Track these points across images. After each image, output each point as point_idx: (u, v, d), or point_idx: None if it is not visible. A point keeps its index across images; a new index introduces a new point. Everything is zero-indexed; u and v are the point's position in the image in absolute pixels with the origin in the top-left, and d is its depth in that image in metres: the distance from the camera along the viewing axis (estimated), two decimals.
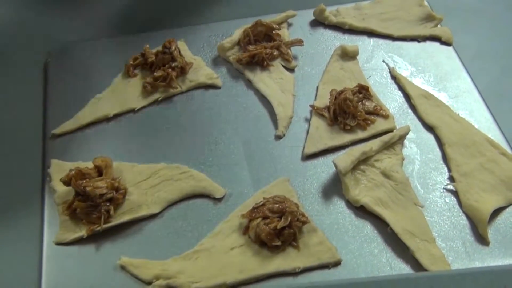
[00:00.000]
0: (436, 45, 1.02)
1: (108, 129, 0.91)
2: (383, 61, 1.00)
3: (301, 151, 0.87)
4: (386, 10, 1.08)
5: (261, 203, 0.76)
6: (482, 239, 0.76)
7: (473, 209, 0.77)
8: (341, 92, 0.88)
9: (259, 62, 0.98)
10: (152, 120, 0.92)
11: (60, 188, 0.80)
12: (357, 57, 0.99)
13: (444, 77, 0.96)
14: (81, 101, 0.94)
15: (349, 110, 0.87)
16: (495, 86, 0.95)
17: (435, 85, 0.95)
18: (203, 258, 0.74)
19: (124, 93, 0.95)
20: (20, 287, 0.74)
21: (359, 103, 0.89)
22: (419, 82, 0.96)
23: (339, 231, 0.77)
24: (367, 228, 0.77)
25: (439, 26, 1.04)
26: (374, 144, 0.83)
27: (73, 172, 0.77)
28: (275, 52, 0.99)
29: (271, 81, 0.96)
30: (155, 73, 0.95)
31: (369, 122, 0.88)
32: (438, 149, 0.86)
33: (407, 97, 0.93)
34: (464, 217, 0.78)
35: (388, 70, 0.98)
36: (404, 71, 0.97)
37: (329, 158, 0.85)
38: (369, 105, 0.90)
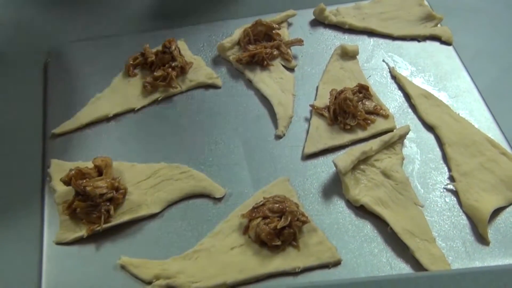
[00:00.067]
0: (436, 44, 1.02)
1: (108, 129, 0.91)
2: (383, 60, 0.99)
3: (301, 150, 0.87)
4: (386, 10, 1.08)
5: (261, 203, 0.76)
6: (482, 239, 0.76)
7: (473, 208, 0.77)
8: (341, 91, 0.88)
9: (259, 62, 0.97)
10: (152, 119, 0.92)
11: (60, 188, 0.80)
12: (357, 56, 0.99)
13: (444, 76, 0.96)
14: (81, 100, 0.94)
15: (349, 110, 0.87)
16: (495, 86, 0.95)
17: (435, 84, 0.95)
18: (203, 258, 0.74)
19: (124, 92, 0.95)
20: (20, 287, 0.74)
21: (359, 102, 0.89)
22: (419, 81, 0.96)
23: (339, 231, 0.77)
24: (367, 228, 0.77)
25: (439, 25, 1.04)
26: (374, 143, 0.83)
27: (73, 172, 0.77)
28: (275, 52, 0.99)
29: (271, 80, 0.96)
30: (155, 73, 0.95)
31: (369, 121, 0.88)
32: (438, 149, 0.86)
33: (407, 96, 0.93)
34: (464, 216, 0.78)
35: (388, 70, 0.98)
36: (404, 71, 0.97)
37: (329, 158, 0.85)
38: (369, 104, 0.90)
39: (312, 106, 0.91)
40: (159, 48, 0.97)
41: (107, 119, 0.92)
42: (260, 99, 0.94)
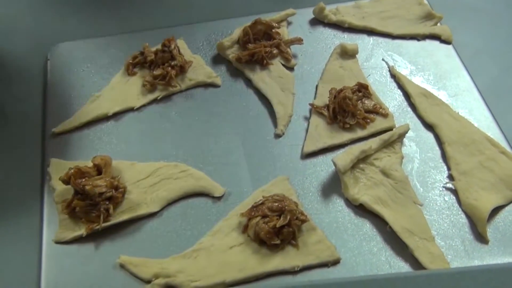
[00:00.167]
0: (436, 43, 1.02)
1: (108, 128, 0.91)
2: (383, 59, 0.99)
3: (301, 149, 0.87)
4: (386, 9, 1.07)
5: (260, 202, 0.76)
6: (481, 238, 0.76)
7: (473, 207, 0.77)
8: (341, 90, 0.88)
9: (258, 61, 0.97)
10: (151, 118, 0.92)
11: (60, 186, 0.80)
12: (356, 55, 0.99)
13: (443, 75, 0.96)
14: (81, 99, 0.94)
15: (348, 109, 0.87)
16: (495, 85, 0.95)
17: (434, 83, 0.95)
18: (203, 257, 0.74)
19: (124, 91, 0.95)
20: (19, 286, 0.74)
21: (359, 101, 0.89)
22: (419, 80, 0.95)
23: (338, 230, 0.77)
24: (366, 227, 0.77)
25: (438, 24, 1.04)
26: (374, 142, 0.83)
27: (72, 170, 0.77)
28: (275, 51, 0.99)
29: (270, 79, 0.95)
30: (154, 72, 0.95)
31: (368, 120, 0.88)
32: (437, 148, 0.86)
33: (407, 95, 0.93)
34: (463, 215, 0.78)
35: (388, 69, 0.98)
36: (403, 70, 0.97)
37: (328, 157, 0.85)
38: (368, 103, 0.90)
39: (311, 105, 0.91)
40: (159, 47, 0.97)
41: (106, 118, 0.92)
42: (260, 98, 0.94)
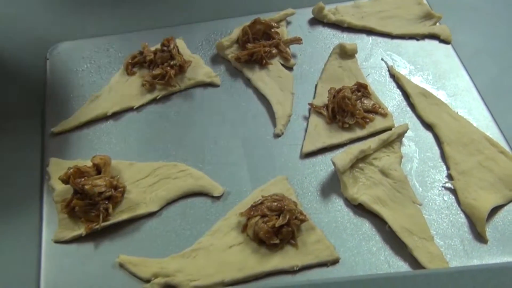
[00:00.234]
0: (435, 43, 1.02)
1: (107, 127, 0.91)
2: (382, 59, 0.99)
3: (300, 149, 0.87)
4: (385, 8, 1.08)
5: (259, 201, 0.76)
6: (480, 237, 0.76)
7: (472, 207, 0.77)
8: (340, 90, 0.89)
9: (257, 60, 0.97)
10: (150, 118, 0.92)
11: (59, 186, 0.80)
12: (355, 55, 0.99)
13: (442, 75, 0.96)
14: (80, 99, 0.94)
15: (347, 108, 0.87)
16: (494, 84, 0.95)
17: (433, 83, 0.95)
18: (202, 256, 0.74)
19: (123, 91, 0.95)
20: (19, 285, 0.74)
21: (358, 101, 0.89)
22: (418, 80, 0.96)
23: (338, 229, 0.77)
24: (365, 226, 0.77)
25: (438, 24, 1.04)
26: (373, 142, 0.83)
27: (71, 170, 0.77)
28: (274, 51, 0.99)
29: (269, 79, 0.96)
30: (153, 71, 0.95)
31: (367, 120, 0.88)
32: (436, 147, 0.86)
33: (406, 95, 0.93)
34: (462, 215, 0.78)
35: (387, 68, 0.98)
36: (402, 69, 0.97)
37: (327, 157, 0.85)
38: (367, 103, 0.90)
39: (310, 104, 0.91)
40: (158, 46, 0.97)
41: (105, 117, 0.92)
42: (259, 97, 0.95)
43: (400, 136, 0.86)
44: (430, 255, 0.73)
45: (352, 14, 1.06)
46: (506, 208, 0.79)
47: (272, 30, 1.00)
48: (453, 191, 0.81)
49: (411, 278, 0.64)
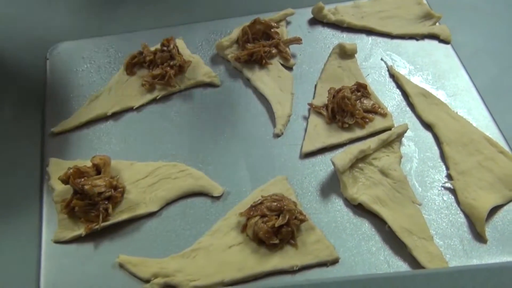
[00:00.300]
0: (435, 43, 1.02)
1: (107, 128, 0.91)
2: (382, 59, 1.00)
3: (299, 149, 0.87)
4: (385, 8, 1.08)
5: (259, 201, 0.76)
6: (479, 237, 0.76)
7: (471, 207, 0.77)
8: (339, 90, 0.89)
9: (257, 60, 0.97)
10: (150, 118, 0.92)
11: (59, 186, 0.80)
12: (355, 55, 0.99)
13: (442, 75, 0.96)
14: (80, 99, 0.94)
15: (347, 108, 0.87)
16: (493, 84, 0.95)
17: (433, 83, 0.95)
18: (201, 256, 0.74)
19: (123, 91, 0.95)
20: (18, 285, 0.74)
21: (357, 101, 0.89)
22: (418, 80, 0.96)
23: (337, 229, 0.77)
24: (365, 226, 0.77)
25: (437, 24, 1.04)
26: (372, 142, 0.83)
27: (71, 170, 0.77)
28: (274, 51, 0.99)
29: (269, 79, 0.96)
30: (153, 71, 0.95)
31: (367, 120, 0.88)
32: (436, 147, 0.86)
33: (405, 95, 0.93)
34: (462, 215, 0.78)
35: (387, 68, 0.98)
36: (402, 69, 0.97)
37: (327, 156, 0.85)
38: (367, 103, 0.90)
39: (310, 104, 0.91)
40: (158, 46, 0.97)
41: (105, 117, 0.92)
42: (259, 97, 0.95)
43: (400, 136, 0.86)
44: (429, 255, 0.73)
45: (351, 14, 1.06)
46: (505, 208, 0.79)
47: (272, 30, 1.00)
48: (453, 191, 0.81)
49: (411, 278, 0.64)
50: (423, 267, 0.72)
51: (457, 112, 0.90)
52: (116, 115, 0.92)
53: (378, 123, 0.88)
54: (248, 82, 0.97)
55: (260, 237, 0.73)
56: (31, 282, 0.74)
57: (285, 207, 0.74)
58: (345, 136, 0.87)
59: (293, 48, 1.01)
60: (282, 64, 0.99)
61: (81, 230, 0.76)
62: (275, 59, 0.99)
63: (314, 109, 0.90)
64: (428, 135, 0.88)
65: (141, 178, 0.82)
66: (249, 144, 0.88)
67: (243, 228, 0.76)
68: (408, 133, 0.87)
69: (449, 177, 0.82)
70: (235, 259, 0.74)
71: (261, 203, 0.76)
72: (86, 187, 0.76)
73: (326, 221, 0.78)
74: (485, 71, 0.97)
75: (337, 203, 0.80)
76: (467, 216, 0.78)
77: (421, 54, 1.00)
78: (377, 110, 0.89)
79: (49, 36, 1.05)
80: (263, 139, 0.88)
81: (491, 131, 0.87)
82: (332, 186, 0.82)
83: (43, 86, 0.97)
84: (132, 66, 0.98)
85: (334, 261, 0.74)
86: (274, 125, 0.90)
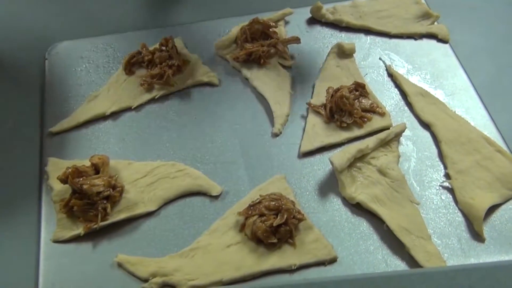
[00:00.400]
0: (433, 42, 1.02)
1: (105, 127, 0.91)
2: (380, 58, 1.00)
3: (298, 148, 0.87)
4: (383, 8, 1.08)
5: (257, 201, 0.76)
6: (477, 236, 0.76)
7: (469, 206, 0.77)
8: (338, 89, 0.89)
9: (256, 60, 0.98)
10: (149, 118, 0.92)
11: (57, 186, 0.80)
12: (353, 54, 0.99)
13: (440, 74, 0.96)
14: (78, 99, 0.94)
15: (345, 108, 0.87)
16: (491, 84, 0.95)
17: (431, 82, 0.95)
18: (200, 256, 0.74)
19: (121, 91, 0.95)
20: (17, 285, 0.74)
21: (356, 100, 0.89)
22: (416, 79, 0.96)
23: (335, 228, 0.77)
24: (363, 225, 0.78)
25: (435, 23, 1.04)
26: (370, 141, 0.83)
27: (70, 170, 0.77)
28: (272, 50, 0.99)
29: (268, 79, 0.96)
30: (152, 71, 0.95)
31: (365, 119, 0.88)
32: (434, 147, 0.86)
33: (404, 94, 0.93)
34: (459, 214, 0.78)
35: (385, 68, 0.98)
36: (400, 69, 0.98)
37: (325, 156, 0.85)
38: (365, 102, 0.90)
39: (308, 104, 0.91)
40: (156, 46, 0.97)
41: (104, 117, 0.92)
42: (257, 97, 0.95)
43: (398, 135, 0.86)
44: (427, 254, 0.73)
45: (350, 14, 1.07)
46: (503, 207, 0.79)
47: (270, 29, 1.00)
48: (451, 190, 0.81)
49: (409, 277, 0.64)
50: (421, 266, 0.72)
51: (455, 111, 0.90)
52: (114, 114, 0.92)
53: (376, 122, 0.88)
54: (246, 82, 0.97)
55: (259, 236, 0.74)
56: (30, 281, 0.74)
57: (283, 206, 0.74)
58: (344, 135, 0.87)
59: (291, 48, 1.01)
60: (280, 64, 0.99)
61: (79, 230, 0.77)
62: (274, 58, 0.99)
63: (312, 109, 0.90)
64: (426, 134, 0.88)
65: (140, 177, 0.82)
66: (247, 144, 0.88)
67: (242, 228, 0.76)
68: (406, 132, 0.87)
69: (447, 176, 0.82)
70: (233, 258, 0.74)
71: (259, 202, 0.76)
72: (84, 186, 0.76)
73: (324, 220, 0.78)
74: (483, 70, 0.97)
75: (335, 202, 0.80)
76: (465, 215, 0.78)
77: (419, 53, 1.00)
78: (375, 110, 0.89)
79: (48, 35, 1.06)
80: (262, 138, 0.89)
81: (489, 130, 0.87)
82: (330, 185, 0.82)
83: (41, 85, 0.97)
84: (131, 65, 0.98)
85: (332, 260, 0.74)
86: (273, 125, 0.90)
